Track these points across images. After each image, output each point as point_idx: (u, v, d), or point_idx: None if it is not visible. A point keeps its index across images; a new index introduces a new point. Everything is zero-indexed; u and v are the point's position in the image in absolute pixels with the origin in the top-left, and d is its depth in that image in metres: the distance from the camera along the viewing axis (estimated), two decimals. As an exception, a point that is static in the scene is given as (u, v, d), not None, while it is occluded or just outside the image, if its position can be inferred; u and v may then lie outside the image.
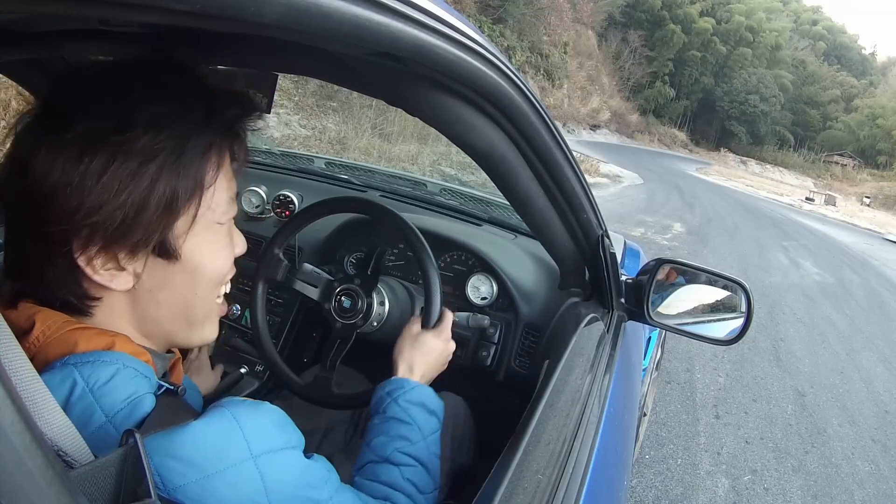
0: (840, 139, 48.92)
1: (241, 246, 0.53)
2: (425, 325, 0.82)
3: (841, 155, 48.24)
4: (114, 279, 0.43)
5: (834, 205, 24.05)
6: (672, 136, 42.55)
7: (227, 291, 0.54)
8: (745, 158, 43.35)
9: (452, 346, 0.83)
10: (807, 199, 24.33)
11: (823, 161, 48.97)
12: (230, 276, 0.53)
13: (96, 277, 0.43)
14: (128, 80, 0.44)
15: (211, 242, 0.47)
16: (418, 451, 0.65)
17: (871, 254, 10.91)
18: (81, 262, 0.42)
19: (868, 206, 29.10)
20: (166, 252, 0.44)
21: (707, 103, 46.25)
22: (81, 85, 0.44)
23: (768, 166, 43.64)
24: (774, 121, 47.65)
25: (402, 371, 0.75)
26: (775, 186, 28.43)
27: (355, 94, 7.16)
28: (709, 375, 3.16)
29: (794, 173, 43.34)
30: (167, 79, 0.45)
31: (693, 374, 3.07)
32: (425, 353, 0.78)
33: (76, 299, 0.44)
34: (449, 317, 0.84)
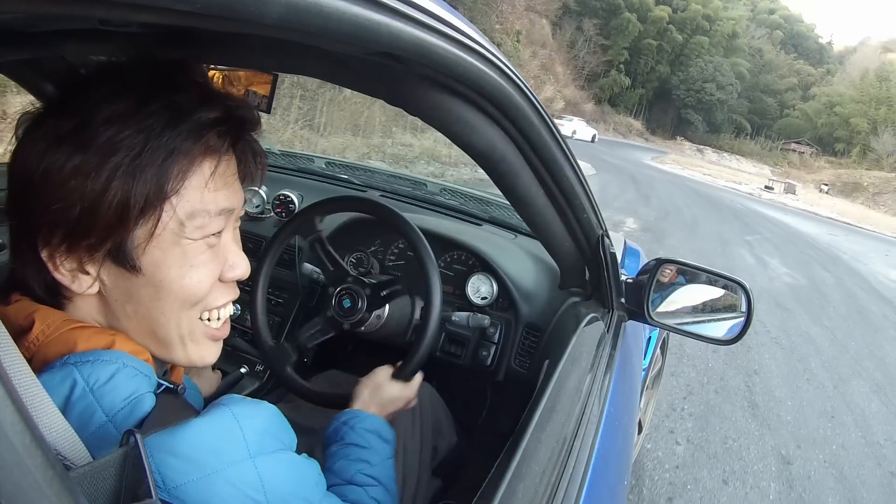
0: (797, 127, 49.26)
1: (239, 269, 0.49)
2: (397, 375, 0.84)
3: (798, 142, 48.41)
4: (75, 280, 0.43)
5: (794, 193, 23.75)
6: (628, 124, 42.59)
7: (225, 317, 0.50)
8: (701, 147, 43.31)
9: (413, 402, 0.86)
10: (766, 187, 24.09)
11: (781, 149, 49.10)
12: (221, 297, 0.49)
13: (57, 276, 0.43)
14: (97, 81, 0.43)
15: (179, 258, 0.44)
16: (378, 472, 0.68)
17: (838, 246, 10.50)
18: (44, 256, 0.42)
19: (826, 193, 29.08)
20: (123, 260, 0.43)
21: (663, 92, 46.41)
22: (64, 88, 0.44)
23: (725, 154, 43.57)
24: (731, 109, 47.95)
25: (356, 406, 0.79)
26: (733, 175, 28.13)
27: (285, 83, 6.74)
28: (663, 443, 2.28)
29: (751, 161, 43.33)
30: (137, 80, 0.43)
31: (643, 443, 2.19)
32: (383, 402, 0.80)
33: (46, 294, 0.44)
34: (418, 378, 0.87)
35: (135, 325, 0.45)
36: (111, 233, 0.41)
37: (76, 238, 0.42)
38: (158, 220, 0.42)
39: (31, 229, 0.42)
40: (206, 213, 0.44)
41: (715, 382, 3.02)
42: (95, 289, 0.44)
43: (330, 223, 1.21)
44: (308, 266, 0.96)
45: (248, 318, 0.96)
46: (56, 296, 0.44)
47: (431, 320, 0.85)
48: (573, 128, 24.17)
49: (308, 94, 7.53)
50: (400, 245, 1.22)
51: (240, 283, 0.52)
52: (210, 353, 0.50)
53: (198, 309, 0.47)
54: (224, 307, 0.50)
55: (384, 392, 0.81)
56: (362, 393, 0.81)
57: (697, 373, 3.06)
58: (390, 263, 1.22)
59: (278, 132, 6.87)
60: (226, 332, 0.51)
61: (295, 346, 0.90)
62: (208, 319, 0.48)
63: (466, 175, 8.30)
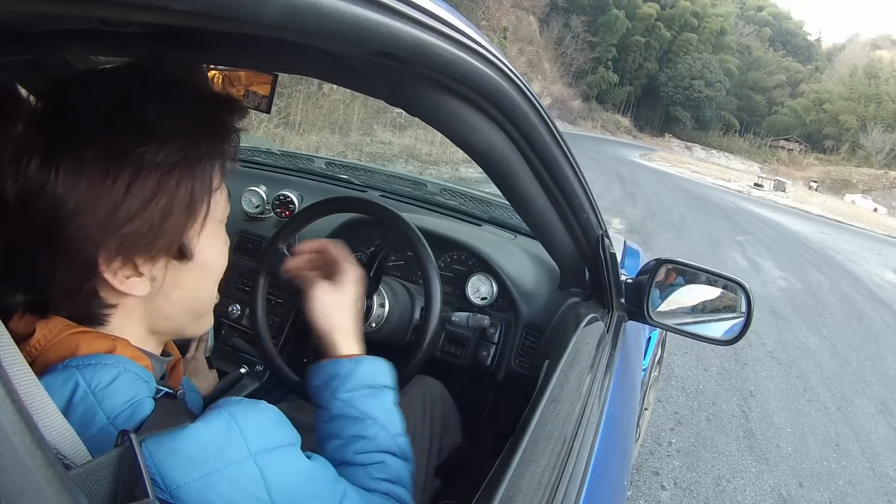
0: (786, 124, 49.76)
1: (228, 242, 0.55)
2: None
3: (787, 139, 48.90)
4: (134, 286, 0.44)
5: (784, 190, 23.92)
6: (615, 122, 42.71)
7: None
8: (690, 144, 43.71)
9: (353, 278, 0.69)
10: (755, 185, 24.18)
11: (769, 146, 49.53)
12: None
13: (119, 286, 0.43)
14: (137, 89, 0.44)
15: (214, 239, 0.49)
16: (380, 444, 0.57)
17: (831, 245, 10.40)
18: (108, 275, 0.42)
19: (815, 190, 29.63)
20: (183, 254, 0.46)
21: (651, 89, 46.67)
22: (87, 97, 0.43)
23: (714, 151, 44.16)
24: (719, 106, 48.26)
25: (326, 348, 0.64)
26: (722, 172, 28.16)
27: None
28: (646, 488, 2.01)
29: (740, 158, 43.84)
30: (174, 86, 0.45)
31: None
32: (325, 306, 0.65)
33: (97, 310, 0.44)
34: (312, 244, 0.72)
35: (179, 309, 0.49)
36: (181, 233, 0.45)
37: (143, 247, 0.43)
38: (208, 212, 0.47)
39: (89, 251, 0.41)
40: (226, 197, 0.50)
41: (707, 408, 2.77)
42: (149, 287, 0.45)
43: (330, 224, 1.21)
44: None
45: (248, 317, 0.96)
46: (104, 307, 0.45)
47: (432, 317, 0.85)
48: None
49: (285, 92, 7.48)
50: (408, 254, 1.22)
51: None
52: (212, 318, 0.55)
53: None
54: None
55: (324, 301, 0.65)
56: (318, 325, 0.64)
57: (687, 397, 2.85)
58: (391, 264, 1.22)
59: (252, 129, 6.46)
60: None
61: None
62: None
63: (447, 174, 8.19)
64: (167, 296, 0.47)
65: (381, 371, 0.62)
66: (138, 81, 0.45)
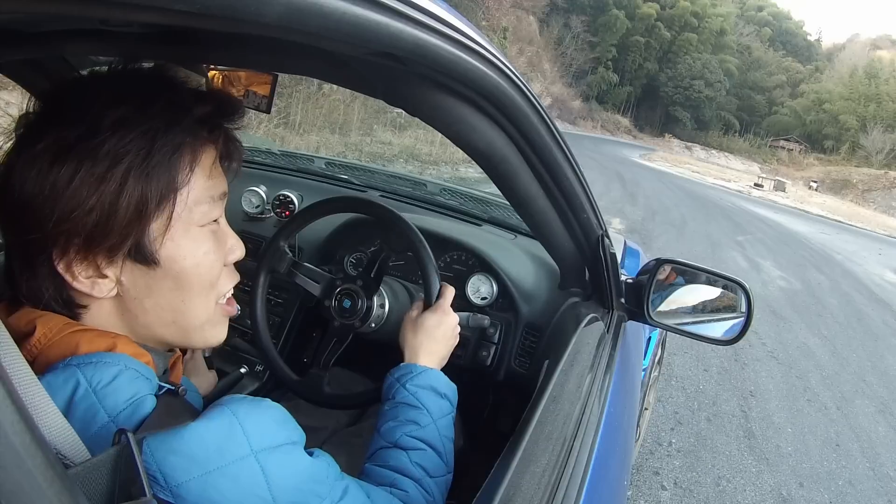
0: (786, 124, 49.81)
1: (237, 251, 0.52)
2: (426, 306, 0.82)
3: (787, 139, 48.94)
4: (95, 286, 0.43)
5: (784, 190, 23.97)
6: (615, 122, 42.81)
7: (230, 295, 0.53)
8: (690, 144, 43.78)
9: (454, 318, 0.81)
10: (755, 185, 24.21)
11: (769, 146, 49.60)
12: (229, 282, 0.52)
13: (76, 285, 0.43)
14: (95, 89, 0.44)
15: (192, 246, 0.46)
16: (427, 434, 0.65)
17: (831, 246, 10.45)
18: (61, 269, 0.42)
19: (816, 190, 29.68)
20: (143, 257, 0.44)
21: (651, 89, 46.84)
22: (55, 97, 0.44)
23: (714, 151, 44.21)
24: (719, 106, 48.46)
25: (408, 357, 0.75)
26: (721, 172, 28.33)
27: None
28: (646, 488, 2.04)
29: (739, 158, 43.89)
30: (132, 84, 0.45)
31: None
32: (428, 333, 0.77)
33: (62, 306, 0.44)
34: (448, 292, 0.83)
35: (154, 318, 0.47)
36: (131, 231, 0.43)
37: (95, 243, 0.42)
38: (172, 212, 0.44)
39: (42, 246, 0.42)
40: (210, 200, 0.47)
41: (707, 408, 2.78)
42: (115, 291, 0.44)
43: (330, 223, 1.21)
44: (308, 266, 0.95)
45: (249, 318, 0.96)
46: (72, 306, 0.44)
47: (431, 300, 0.85)
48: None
49: (285, 92, 7.50)
50: (408, 254, 1.22)
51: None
52: (224, 331, 0.53)
53: (214, 296, 0.50)
54: (224, 289, 0.53)
55: (423, 323, 0.77)
56: (409, 340, 0.77)
57: (687, 397, 2.86)
58: (391, 264, 1.22)
59: (252, 129, 6.58)
60: (234, 306, 0.54)
61: (321, 368, 0.88)
62: (220, 300, 0.52)
63: (447, 174, 8.21)
64: (140, 303, 0.46)
65: (447, 383, 0.72)
66: (100, 82, 0.45)
